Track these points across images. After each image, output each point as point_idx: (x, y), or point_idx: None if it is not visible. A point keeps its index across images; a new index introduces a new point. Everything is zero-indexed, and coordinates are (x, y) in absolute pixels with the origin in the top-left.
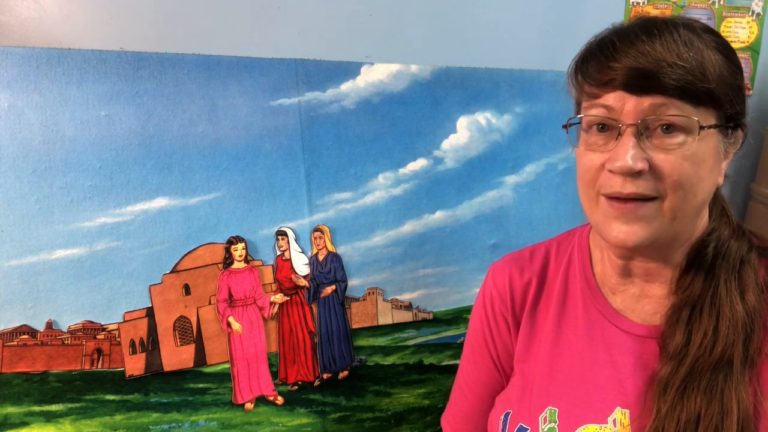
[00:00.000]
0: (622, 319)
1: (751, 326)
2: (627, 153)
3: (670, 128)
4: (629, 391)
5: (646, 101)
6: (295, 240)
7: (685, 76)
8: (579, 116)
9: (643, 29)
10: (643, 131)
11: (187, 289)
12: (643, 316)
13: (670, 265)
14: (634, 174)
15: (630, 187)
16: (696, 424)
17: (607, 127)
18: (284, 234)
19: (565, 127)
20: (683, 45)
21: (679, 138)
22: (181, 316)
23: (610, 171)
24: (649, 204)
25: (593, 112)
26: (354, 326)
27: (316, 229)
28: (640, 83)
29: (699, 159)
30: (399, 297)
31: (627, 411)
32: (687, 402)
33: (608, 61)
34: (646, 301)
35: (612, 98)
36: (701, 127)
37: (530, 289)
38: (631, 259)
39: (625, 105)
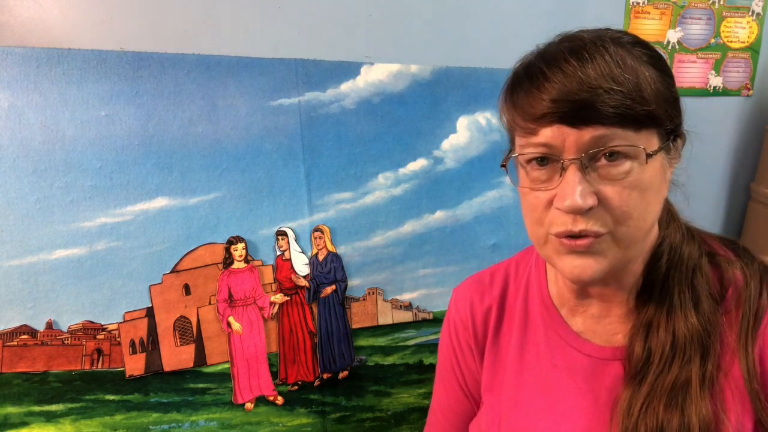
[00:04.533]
0: (583, 342)
1: (708, 340)
2: (575, 190)
3: (614, 155)
4: (596, 418)
5: (587, 134)
6: (295, 240)
7: (624, 102)
8: (516, 155)
9: (571, 52)
10: (587, 163)
11: (187, 289)
12: (605, 336)
13: (624, 286)
14: (583, 211)
15: (580, 224)
16: None
17: (547, 161)
18: (284, 234)
19: (503, 166)
20: (616, 66)
21: (625, 166)
22: (181, 316)
23: (558, 209)
24: (600, 239)
25: (531, 150)
26: (354, 326)
27: (316, 229)
28: (577, 115)
29: (646, 185)
30: (399, 297)
31: None
32: (649, 420)
33: (539, 92)
34: (606, 321)
35: (549, 134)
36: (648, 155)
37: (491, 316)
38: (587, 286)
39: (566, 140)
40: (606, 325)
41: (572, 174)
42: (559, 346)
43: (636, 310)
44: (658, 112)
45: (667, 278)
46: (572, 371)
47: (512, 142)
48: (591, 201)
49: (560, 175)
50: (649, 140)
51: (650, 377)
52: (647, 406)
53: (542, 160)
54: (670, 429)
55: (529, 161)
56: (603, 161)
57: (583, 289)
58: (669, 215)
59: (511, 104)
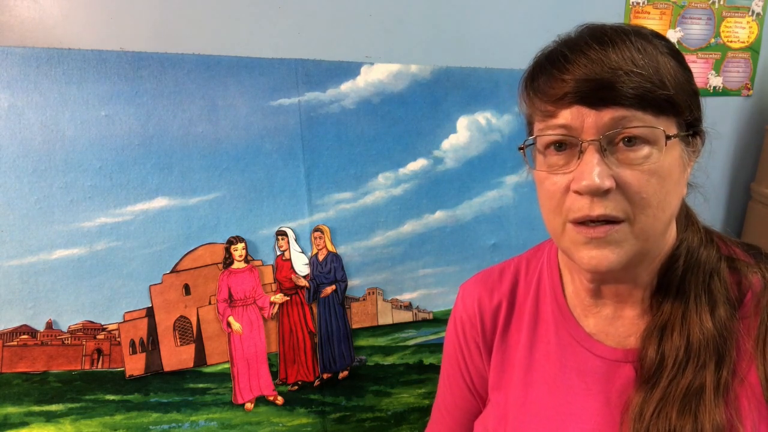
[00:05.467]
0: (594, 343)
1: (724, 346)
2: (593, 171)
3: (632, 141)
4: (606, 420)
5: (606, 115)
6: (295, 240)
7: (644, 84)
8: (534, 137)
9: (593, 38)
10: (606, 146)
11: (187, 289)
12: (618, 339)
13: (640, 285)
14: (601, 193)
15: (598, 209)
16: None
17: (566, 146)
18: (284, 234)
19: (521, 149)
20: (637, 52)
21: (644, 151)
22: (181, 316)
23: (576, 192)
24: (618, 227)
25: (550, 132)
26: (354, 326)
27: (316, 229)
28: (597, 95)
29: (665, 172)
30: (399, 297)
31: None
32: (661, 425)
33: (560, 73)
34: (619, 323)
35: (569, 115)
36: (668, 137)
37: (500, 313)
38: (602, 283)
39: (585, 121)
40: (619, 327)
41: (590, 155)
42: (570, 346)
43: (650, 313)
44: (677, 98)
45: (684, 281)
46: (583, 372)
47: (530, 131)
48: (609, 183)
49: (578, 158)
50: (669, 127)
51: (663, 382)
52: (659, 412)
53: (560, 146)
54: None
55: (547, 147)
56: (622, 146)
57: (598, 289)
58: (687, 218)
59: (531, 90)
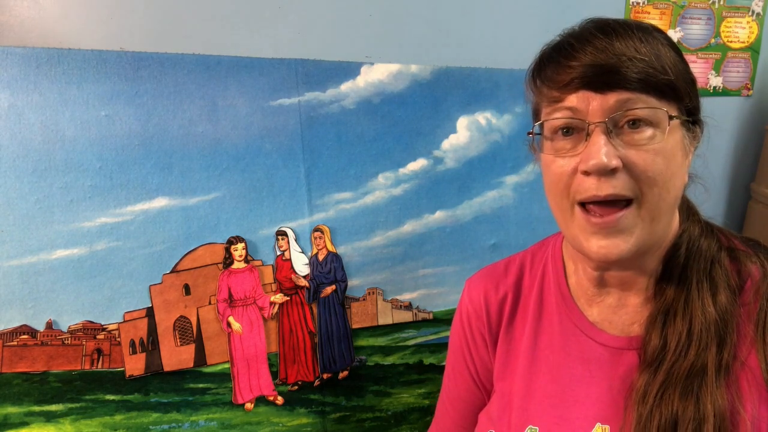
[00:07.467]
0: (598, 332)
1: (725, 330)
2: (600, 150)
3: (637, 123)
4: (609, 406)
5: (612, 98)
6: (295, 240)
7: (647, 69)
8: (542, 122)
9: (598, 29)
10: (611, 128)
11: (187, 289)
12: (621, 327)
13: (645, 272)
14: (608, 173)
15: (606, 188)
16: (674, 429)
17: (573, 130)
18: (284, 234)
19: (530, 134)
20: (639, 41)
21: (648, 132)
22: (181, 316)
23: (584, 172)
24: (627, 212)
25: (557, 116)
26: (354, 326)
27: (316, 229)
28: (602, 79)
29: (669, 153)
30: (399, 297)
31: (607, 426)
32: (664, 407)
33: (568, 60)
34: (623, 311)
35: (575, 99)
36: (670, 117)
37: (506, 305)
38: (607, 270)
39: (590, 104)
40: (622, 315)
41: (597, 136)
42: (573, 335)
43: (654, 300)
44: (678, 83)
45: (686, 268)
46: (586, 360)
47: (537, 120)
48: (616, 162)
49: (585, 141)
50: (670, 110)
51: (666, 365)
52: (662, 394)
53: (567, 131)
54: (685, 418)
55: (554, 132)
56: (626, 128)
57: (602, 277)
58: (689, 210)
59: (538, 79)
